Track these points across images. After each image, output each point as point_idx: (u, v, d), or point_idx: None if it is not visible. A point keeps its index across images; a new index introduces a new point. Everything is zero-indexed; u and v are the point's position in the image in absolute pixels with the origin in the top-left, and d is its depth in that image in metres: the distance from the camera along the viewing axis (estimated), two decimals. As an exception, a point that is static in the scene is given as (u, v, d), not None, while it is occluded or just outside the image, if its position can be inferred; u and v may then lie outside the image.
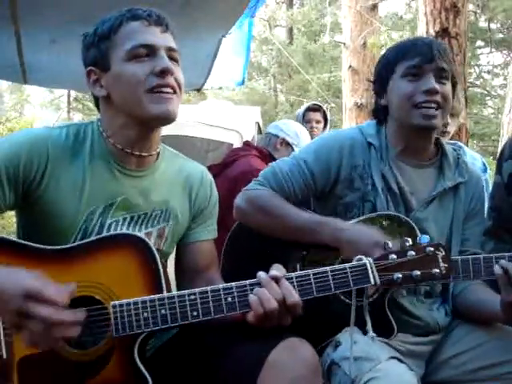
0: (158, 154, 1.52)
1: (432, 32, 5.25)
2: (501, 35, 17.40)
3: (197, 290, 1.27)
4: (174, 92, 1.39)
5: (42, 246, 1.31)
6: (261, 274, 1.29)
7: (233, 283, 1.29)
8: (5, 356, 1.25)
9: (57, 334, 1.14)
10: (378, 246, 1.40)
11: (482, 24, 16.88)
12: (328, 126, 4.17)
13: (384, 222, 1.63)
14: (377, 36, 9.23)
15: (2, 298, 1.13)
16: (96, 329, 1.28)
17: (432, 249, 1.34)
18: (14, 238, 1.38)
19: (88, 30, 1.46)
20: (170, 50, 1.41)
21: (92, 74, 1.42)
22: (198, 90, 4.96)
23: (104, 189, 1.41)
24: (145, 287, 1.30)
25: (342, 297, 1.57)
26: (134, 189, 1.45)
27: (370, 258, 1.33)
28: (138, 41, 1.37)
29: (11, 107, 22.29)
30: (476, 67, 17.74)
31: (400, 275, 1.32)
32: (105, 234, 1.39)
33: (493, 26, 16.95)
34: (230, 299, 1.27)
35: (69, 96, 19.01)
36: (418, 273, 1.32)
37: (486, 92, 17.68)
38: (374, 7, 9.64)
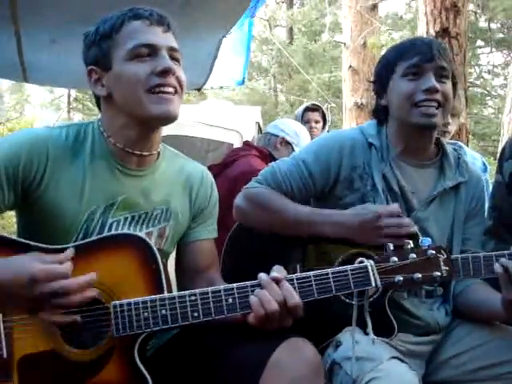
0: (159, 153, 1.52)
1: (432, 32, 5.25)
2: (501, 35, 17.39)
3: (197, 290, 1.27)
4: (176, 92, 1.39)
5: (43, 246, 1.31)
6: (262, 276, 1.29)
7: (234, 284, 1.29)
8: (5, 355, 1.25)
9: (77, 299, 1.20)
10: (385, 220, 1.50)
11: (482, 24, 16.87)
12: (327, 125, 4.17)
13: None
14: (377, 36, 9.23)
15: (12, 292, 1.18)
16: (96, 328, 1.27)
17: (433, 252, 1.34)
18: (14, 237, 1.38)
19: (88, 30, 1.46)
20: (171, 49, 1.41)
21: (93, 74, 1.42)
22: (199, 90, 4.96)
23: (105, 188, 1.41)
24: (145, 287, 1.29)
25: (342, 297, 1.57)
26: (135, 188, 1.45)
27: (371, 261, 1.33)
28: (139, 40, 1.37)
29: (11, 107, 22.28)
30: (476, 67, 17.73)
31: (401, 278, 1.32)
32: (105, 233, 1.39)
33: (493, 25, 16.94)
34: (230, 300, 1.27)
35: (69, 96, 19.02)
36: (420, 275, 1.32)
37: (486, 92, 17.67)
38: (374, 7, 9.64)
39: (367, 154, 1.71)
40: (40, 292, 1.17)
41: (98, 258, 1.31)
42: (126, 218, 1.44)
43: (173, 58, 1.40)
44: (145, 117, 1.38)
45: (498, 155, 1.85)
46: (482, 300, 1.63)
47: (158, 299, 1.26)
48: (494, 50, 17.40)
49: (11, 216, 7.36)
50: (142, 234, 1.38)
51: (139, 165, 1.46)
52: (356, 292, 1.36)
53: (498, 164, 1.80)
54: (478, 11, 15.74)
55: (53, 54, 3.64)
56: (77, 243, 1.35)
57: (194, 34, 3.17)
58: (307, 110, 4.08)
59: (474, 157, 2.91)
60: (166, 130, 1.53)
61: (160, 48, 1.38)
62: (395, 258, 1.33)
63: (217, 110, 7.32)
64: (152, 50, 1.37)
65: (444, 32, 5.23)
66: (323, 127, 4.09)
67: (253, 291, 1.27)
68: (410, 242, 1.35)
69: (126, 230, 1.43)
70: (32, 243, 1.31)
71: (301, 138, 3.20)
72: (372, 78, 1.82)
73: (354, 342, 1.41)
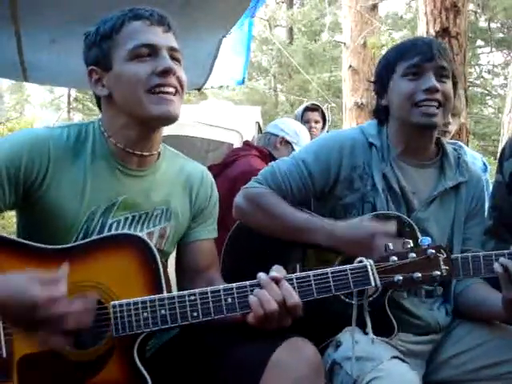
0: (159, 153, 1.51)
1: (432, 32, 5.25)
2: (501, 35, 17.39)
3: (197, 290, 1.27)
4: (176, 92, 1.39)
5: (43, 246, 1.31)
6: (261, 275, 1.29)
7: (233, 284, 1.28)
8: (5, 355, 1.25)
9: (72, 325, 1.17)
10: (378, 240, 1.41)
11: (483, 24, 16.87)
12: (327, 125, 4.16)
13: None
14: (377, 36, 9.23)
15: (11, 312, 1.15)
16: (96, 329, 1.27)
17: (433, 251, 1.33)
18: (14, 237, 1.38)
19: (88, 30, 1.46)
20: (171, 49, 1.40)
21: (94, 74, 1.42)
22: (199, 90, 4.96)
23: (105, 189, 1.41)
24: (145, 287, 1.29)
25: (342, 296, 1.57)
26: (135, 189, 1.45)
27: (370, 260, 1.33)
28: (139, 40, 1.36)
29: (11, 107, 22.30)
30: (476, 67, 17.73)
31: (401, 277, 1.32)
32: (106, 233, 1.39)
33: (493, 25, 16.94)
34: (230, 300, 1.27)
35: (69, 96, 19.02)
36: (419, 275, 1.32)
37: (486, 91, 17.67)
38: (374, 7, 9.64)
39: (367, 154, 1.71)
40: (39, 316, 1.14)
41: (98, 257, 1.31)
42: (126, 219, 1.44)
43: (173, 58, 1.40)
44: (145, 117, 1.38)
45: (498, 155, 1.84)
46: (482, 299, 1.63)
47: (157, 299, 1.26)
48: (494, 49, 17.40)
49: (11, 216, 7.36)
50: (141, 234, 1.38)
51: (140, 165, 1.46)
52: (356, 292, 1.35)
53: (498, 164, 1.80)
54: (478, 11, 15.75)
55: (53, 53, 3.64)
56: (76, 243, 1.35)
57: (194, 33, 3.16)
58: (307, 109, 4.08)
59: (474, 156, 2.91)
60: (166, 130, 1.53)
61: (160, 48, 1.38)
62: (395, 258, 1.33)
63: (217, 110, 7.32)
64: (152, 50, 1.37)
65: (444, 32, 5.23)
66: (323, 127, 4.09)
67: (252, 291, 1.27)
68: (410, 241, 1.35)
69: (126, 230, 1.42)
70: (31, 243, 1.31)
71: (301, 138, 3.20)
72: (373, 79, 1.82)
73: (354, 342, 1.40)
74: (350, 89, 9.25)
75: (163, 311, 1.25)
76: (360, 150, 1.71)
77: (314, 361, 1.27)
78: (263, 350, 1.26)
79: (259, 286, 1.28)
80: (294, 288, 1.28)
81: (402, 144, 1.72)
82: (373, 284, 1.31)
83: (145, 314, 1.25)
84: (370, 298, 1.49)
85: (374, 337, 1.38)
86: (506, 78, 16.07)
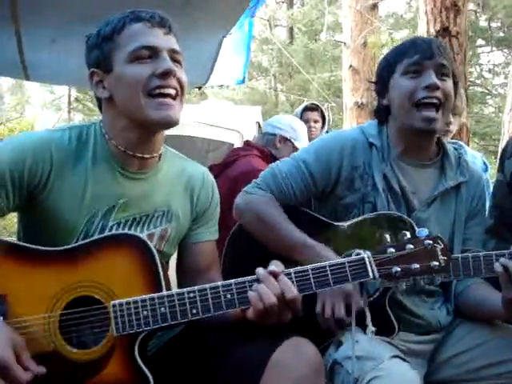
0: (160, 155, 1.51)
1: (432, 31, 5.25)
2: (501, 34, 17.38)
3: (196, 287, 1.28)
4: (176, 95, 1.39)
5: (43, 248, 1.31)
6: (259, 270, 1.29)
7: (231, 280, 1.29)
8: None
9: None
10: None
11: (483, 23, 16.86)
12: (326, 125, 4.16)
13: (383, 223, 1.63)
14: (377, 35, 9.22)
15: None
16: (96, 328, 1.28)
17: (430, 241, 1.33)
18: (14, 239, 1.38)
19: (88, 30, 1.45)
20: (172, 51, 1.40)
21: (95, 76, 1.42)
22: (199, 88, 4.97)
23: (106, 191, 1.41)
24: (144, 287, 1.30)
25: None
26: (136, 191, 1.45)
27: (368, 252, 1.32)
28: (140, 42, 1.36)
29: (12, 108, 22.31)
30: (477, 66, 17.72)
31: (399, 268, 1.31)
32: (106, 233, 1.39)
33: (493, 24, 16.93)
34: (229, 296, 1.27)
35: (69, 96, 19.01)
36: (417, 266, 1.31)
37: (486, 91, 17.65)
38: (374, 7, 9.63)
39: (368, 154, 1.71)
40: None
41: (98, 257, 1.31)
42: (127, 220, 1.43)
43: (174, 60, 1.40)
44: (144, 121, 1.37)
45: (500, 154, 1.84)
46: (483, 299, 1.63)
47: (157, 297, 1.26)
48: (494, 48, 17.39)
49: (13, 217, 7.35)
50: (141, 235, 1.38)
51: (141, 167, 1.46)
52: (357, 290, 1.35)
53: (499, 163, 1.79)
54: (479, 10, 15.74)
55: (53, 53, 3.65)
56: (77, 243, 1.35)
57: (194, 34, 3.17)
58: (306, 109, 4.07)
59: (474, 156, 2.90)
60: (167, 131, 1.53)
61: (161, 50, 1.37)
62: (392, 249, 1.33)
63: (217, 110, 7.32)
64: (153, 52, 1.37)
65: (444, 31, 5.23)
66: (322, 127, 4.08)
67: (251, 286, 1.28)
68: (407, 233, 1.34)
69: (126, 231, 1.42)
70: (32, 246, 1.31)
71: (298, 132, 3.19)
72: (373, 79, 1.82)
73: (354, 342, 1.40)
74: (350, 88, 9.25)
75: (163, 309, 1.26)
76: (360, 150, 1.71)
77: (314, 361, 1.27)
78: (263, 350, 1.26)
79: (258, 281, 1.28)
80: (292, 282, 1.28)
81: (402, 144, 1.72)
82: (371, 276, 1.31)
83: (145, 313, 1.25)
84: (371, 299, 1.50)
85: (374, 328, 1.38)
86: (506, 78, 16.04)
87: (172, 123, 1.38)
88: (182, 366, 1.40)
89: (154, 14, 1.40)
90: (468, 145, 4.56)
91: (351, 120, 9.05)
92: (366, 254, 1.32)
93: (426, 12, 5.37)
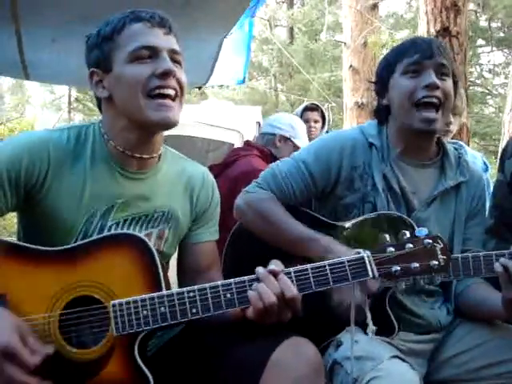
0: (160, 155, 1.51)
1: (433, 31, 5.26)
2: (501, 34, 17.39)
3: (196, 287, 1.28)
4: (176, 95, 1.39)
5: (43, 248, 1.31)
6: (259, 269, 1.29)
7: (231, 279, 1.29)
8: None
9: None
10: None
11: (483, 23, 16.87)
12: (326, 125, 4.16)
13: (384, 223, 1.63)
14: (377, 35, 9.22)
15: None
16: (96, 328, 1.28)
17: (430, 241, 1.33)
18: (15, 238, 1.38)
19: (88, 30, 1.45)
20: (172, 52, 1.40)
21: (94, 76, 1.42)
22: (199, 88, 4.97)
23: (105, 191, 1.41)
24: (144, 287, 1.29)
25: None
26: (135, 191, 1.45)
27: (368, 252, 1.32)
28: (140, 42, 1.36)
29: (12, 108, 22.31)
30: (477, 66, 17.73)
31: (398, 268, 1.31)
32: (106, 233, 1.39)
33: (493, 24, 16.94)
34: (228, 295, 1.27)
35: (69, 96, 19.02)
36: (417, 265, 1.31)
37: (486, 91, 17.66)
38: (375, 6, 9.63)
39: (368, 154, 1.71)
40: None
41: (98, 257, 1.31)
42: (125, 220, 1.43)
43: (174, 61, 1.40)
44: (143, 122, 1.37)
45: (500, 154, 1.84)
46: (483, 299, 1.63)
47: (157, 297, 1.26)
48: (494, 48, 17.40)
49: (12, 217, 7.37)
50: (140, 234, 1.38)
51: (140, 167, 1.46)
52: (356, 288, 1.35)
53: (499, 163, 1.79)
54: (479, 10, 15.75)
55: (53, 52, 3.65)
56: (77, 243, 1.35)
57: (194, 34, 3.17)
58: (306, 109, 4.07)
59: (474, 156, 2.90)
60: (167, 131, 1.53)
61: (161, 50, 1.37)
62: (392, 249, 1.33)
63: (217, 110, 7.33)
64: (153, 52, 1.37)
65: (444, 31, 5.23)
66: (322, 127, 4.08)
67: (250, 286, 1.28)
68: (407, 232, 1.34)
69: (125, 230, 1.42)
70: (31, 246, 1.31)
71: (297, 130, 3.19)
72: (373, 79, 1.82)
73: (354, 342, 1.40)
74: (350, 88, 9.25)
75: (163, 308, 1.26)
76: (360, 150, 1.71)
77: (314, 360, 1.27)
78: (263, 350, 1.26)
79: (257, 280, 1.28)
80: (292, 281, 1.28)
81: (402, 144, 1.72)
82: (370, 275, 1.31)
83: (144, 312, 1.25)
84: (370, 299, 1.49)
85: (374, 327, 1.38)
86: (506, 78, 16.06)
87: (171, 124, 1.38)
88: (182, 365, 1.40)
89: (154, 14, 1.40)
90: (468, 145, 4.56)
91: (351, 120, 9.05)
92: (365, 254, 1.32)
93: (427, 12, 5.37)
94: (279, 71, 20.24)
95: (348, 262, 1.32)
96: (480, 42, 17.40)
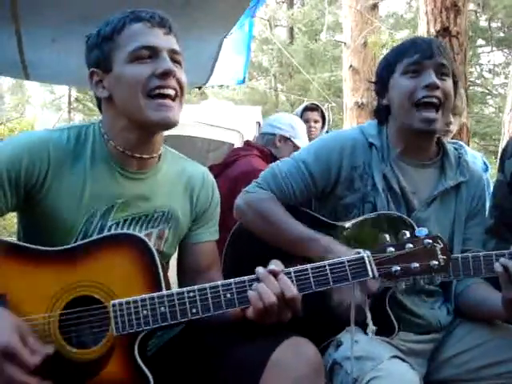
0: (160, 155, 1.51)
1: (433, 31, 5.26)
2: (501, 34, 17.40)
3: (196, 287, 1.28)
4: (176, 95, 1.39)
5: (43, 248, 1.31)
6: (259, 269, 1.29)
7: (231, 279, 1.29)
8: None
9: None
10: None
11: (483, 23, 16.87)
12: (326, 125, 4.16)
13: (384, 223, 1.63)
14: (377, 35, 9.22)
15: None
16: (96, 328, 1.28)
17: (430, 241, 1.33)
18: (15, 238, 1.38)
19: (88, 30, 1.45)
20: (172, 52, 1.40)
21: (94, 76, 1.42)
22: (199, 88, 4.97)
23: (105, 191, 1.41)
24: (144, 287, 1.29)
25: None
26: (135, 191, 1.45)
27: (368, 252, 1.32)
28: (140, 42, 1.36)
29: (12, 108, 22.32)
30: (477, 66, 17.73)
31: (398, 268, 1.31)
32: (105, 233, 1.39)
33: (493, 24, 16.94)
34: (228, 295, 1.27)
35: (69, 96, 19.02)
36: (417, 265, 1.31)
37: (486, 91, 17.66)
38: (375, 7, 9.63)
39: (367, 154, 1.71)
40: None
41: (98, 257, 1.31)
42: (125, 220, 1.44)
43: (174, 61, 1.40)
44: (143, 122, 1.38)
45: (500, 154, 1.84)
46: (483, 299, 1.63)
47: (157, 297, 1.26)
48: (494, 48, 17.40)
49: (12, 217, 7.38)
50: (141, 235, 1.38)
51: (140, 167, 1.46)
52: (356, 287, 1.35)
53: (499, 162, 1.79)
54: (479, 10, 15.75)
55: (53, 52, 3.65)
56: (77, 243, 1.35)
57: (194, 34, 3.17)
58: (306, 109, 4.07)
59: (474, 156, 2.90)
60: (167, 131, 1.53)
61: (161, 50, 1.37)
62: (392, 249, 1.33)
63: (217, 110, 7.33)
64: (153, 52, 1.37)
65: (444, 31, 5.23)
66: (322, 127, 4.08)
67: (250, 286, 1.28)
68: (407, 232, 1.34)
69: (125, 230, 1.42)
70: (31, 246, 1.31)
71: (297, 130, 3.19)
72: (373, 79, 1.82)
73: (354, 342, 1.40)
74: (350, 88, 9.25)
75: (163, 308, 1.26)
76: (360, 150, 1.71)
77: (314, 360, 1.27)
78: (263, 350, 1.26)
79: (257, 280, 1.28)
80: (292, 281, 1.28)
81: (402, 144, 1.72)
82: (370, 275, 1.31)
83: (144, 312, 1.25)
84: (370, 298, 1.49)
85: (374, 327, 1.38)
86: (506, 78, 16.05)
87: (171, 124, 1.38)
88: (182, 365, 1.40)
89: (154, 14, 1.40)
90: (468, 145, 4.56)
91: (351, 120, 9.05)
92: (365, 254, 1.32)
93: (427, 12, 5.37)
94: (279, 71, 20.24)
95: (348, 262, 1.32)
96: (480, 42, 17.41)
